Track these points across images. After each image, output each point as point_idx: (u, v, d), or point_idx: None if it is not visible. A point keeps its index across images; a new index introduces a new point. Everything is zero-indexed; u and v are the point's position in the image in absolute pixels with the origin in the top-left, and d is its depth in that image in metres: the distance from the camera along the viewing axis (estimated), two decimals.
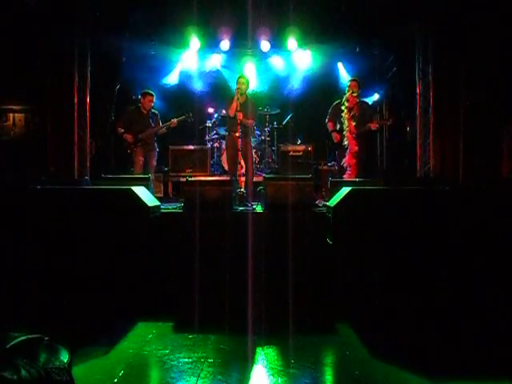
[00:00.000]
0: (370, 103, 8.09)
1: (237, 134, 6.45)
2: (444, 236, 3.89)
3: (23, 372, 1.75)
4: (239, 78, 6.71)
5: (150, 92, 7.50)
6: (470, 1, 7.15)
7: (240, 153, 6.44)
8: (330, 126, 7.17)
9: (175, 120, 7.35)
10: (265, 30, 8.56)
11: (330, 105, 7.28)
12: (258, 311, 3.77)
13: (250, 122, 6.73)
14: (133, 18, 8.11)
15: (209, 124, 9.00)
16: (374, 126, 6.92)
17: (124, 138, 7.26)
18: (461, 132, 7.63)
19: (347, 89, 6.96)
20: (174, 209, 5.40)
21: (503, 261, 3.82)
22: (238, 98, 6.45)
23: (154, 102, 8.68)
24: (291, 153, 8.64)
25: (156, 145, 7.60)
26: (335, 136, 7.02)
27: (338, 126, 7.01)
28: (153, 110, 7.63)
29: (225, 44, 8.74)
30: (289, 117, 9.18)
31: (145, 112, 7.41)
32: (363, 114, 6.93)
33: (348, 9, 7.81)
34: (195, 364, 2.99)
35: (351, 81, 7.04)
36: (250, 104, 6.71)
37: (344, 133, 6.86)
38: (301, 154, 8.62)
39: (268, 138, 8.92)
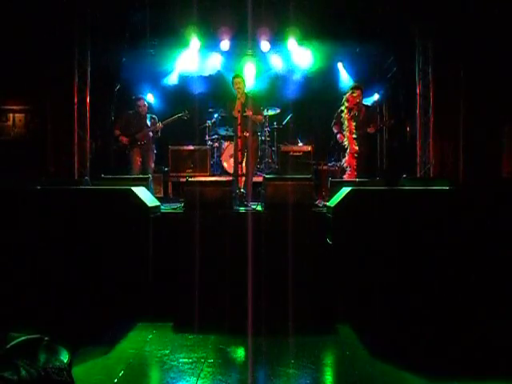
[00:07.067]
0: (372, 106, 8.14)
1: (243, 134, 6.44)
2: (444, 236, 3.89)
3: (23, 372, 1.75)
4: (234, 77, 6.70)
5: (140, 96, 7.78)
6: (469, 1, 7.15)
7: (240, 152, 6.43)
8: (335, 128, 7.24)
9: (160, 124, 7.54)
10: (265, 29, 8.55)
11: (330, 105, 7.36)
12: (257, 311, 3.77)
13: (259, 118, 6.82)
14: (133, 18, 8.11)
15: (209, 124, 9.00)
16: (371, 131, 7.02)
17: (120, 140, 7.36)
18: (461, 132, 7.63)
19: (350, 92, 6.93)
20: (173, 209, 5.40)
21: (503, 260, 3.82)
22: (239, 98, 6.44)
23: (154, 102, 8.75)
24: (291, 153, 8.63)
25: (154, 146, 7.66)
26: (340, 137, 7.09)
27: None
28: (151, 115, 7.75)
29: (225, 44, 8.74)
30: (289, 117, 9.17)
31: (142, 115, 7.52)
32: (365, 117, 7.00)
33: (348, 9, 7.81)
34: (195, 364, 2.99)
35: (357, 89, 6.99)
36: (251, 102, 6.70)
37: (344, 133, 6.89)
38: (301, 154, 8.61)
39: (268, 138, 8.91)
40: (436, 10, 7.50)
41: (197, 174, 8.11)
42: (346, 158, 6.82)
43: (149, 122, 7.57)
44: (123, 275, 3.97)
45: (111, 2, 7.76)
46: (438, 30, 7.69)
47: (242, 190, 6.18)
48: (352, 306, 3.96)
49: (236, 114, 6.45)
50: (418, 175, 8.03)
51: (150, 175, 6.35)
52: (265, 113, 8.94)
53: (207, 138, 8.98)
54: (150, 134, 7.56)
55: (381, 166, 9.93)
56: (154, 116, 7.76)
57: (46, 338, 1.98)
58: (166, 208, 5.43)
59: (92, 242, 3.96)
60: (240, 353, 3.30)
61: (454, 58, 7.59)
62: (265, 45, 8.77)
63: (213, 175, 8.52)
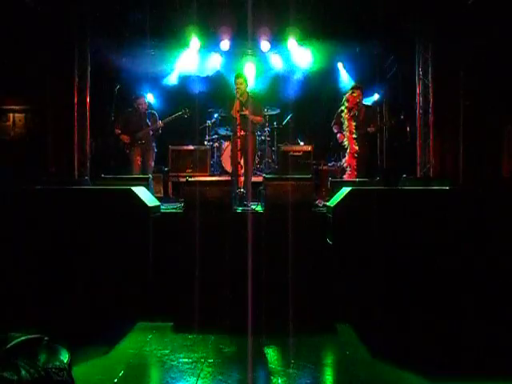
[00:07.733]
0: (372, 106, 8.14)
1: (242, 133, 6.43)
2: (444, 236, 3.88)
3: (23, 372, 1.75)
4: (236, 77, 6.69)
5: (140, 94, 7.76)
6: (469, 1, 7.15)
7: (240, 152, 6.42)
8: (335, 128, 7.25)
9: (161, 122, 7.52)
10: (265, 29, 8.54)
11: (330, 105, 7.33)
12: (257, 311, 3.77)
13: (258, 118, 6.79)
14: (133, 17, 8.11)
15: (209, 124, 9.00)
16: (371, 130, 7.06)
17: (121, 138, 7.38)
18: (461, 132, 7.63)
19: (350, 92, 6.93)
20: (173, 209, 5.40)
21: (503, 260, 3.82)
22: (238, 98, 6.44)
23: (154, 102, 8.74)
24: (291, 153, 8.62)
25: (154, 145, 7.66)
26: (340, 137, 7.09)
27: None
28: (151, 111, 7.73)
29: (225, 44, 8.73)
30: (289, 117, 9.17)
31: (141, 113, 7.51)
32: (365, 117, 7.00)
33: (348, 9, 7.81)
34: (195, 364, 2.99)
35: (357, 89, 7.00)
36: (252, 102, 6.69)
37: (344, 133, 6.90)
38: (301, 154, 8.60)
39: (268, 138, 8.91)
40: (436, 10, 7.50)
41: (197, 174, 8.11)
42: (346, 157, 6.82)
43: (148, 120, 7.56)
44: (123, 275, 3.97)
45: (111, 2, 7.75)
46: (438, 30, 7.70)
47: (241, 190, 6.18)
48: (352, 306, 3.96)
49: (235, 113, 6.45)
50: (418, 175, 8.03)
51: (150, 175, 6.35)
52: (265, 113, 8.96)
53: (207, 137, 8.98)
54: (151, 132, 7.55)
55: (381, 166, 9.93)
56: (153, 112, 7.73)
57: (46, 338, 1.98)
58: (166, 208, 5.43)
59: (92, 241, 3.96)
60: (240, 353, 3.29)
61: (454, 57, 7.59)
62: (265, 45, 8.76)
63: (213, 175, 8.53)
